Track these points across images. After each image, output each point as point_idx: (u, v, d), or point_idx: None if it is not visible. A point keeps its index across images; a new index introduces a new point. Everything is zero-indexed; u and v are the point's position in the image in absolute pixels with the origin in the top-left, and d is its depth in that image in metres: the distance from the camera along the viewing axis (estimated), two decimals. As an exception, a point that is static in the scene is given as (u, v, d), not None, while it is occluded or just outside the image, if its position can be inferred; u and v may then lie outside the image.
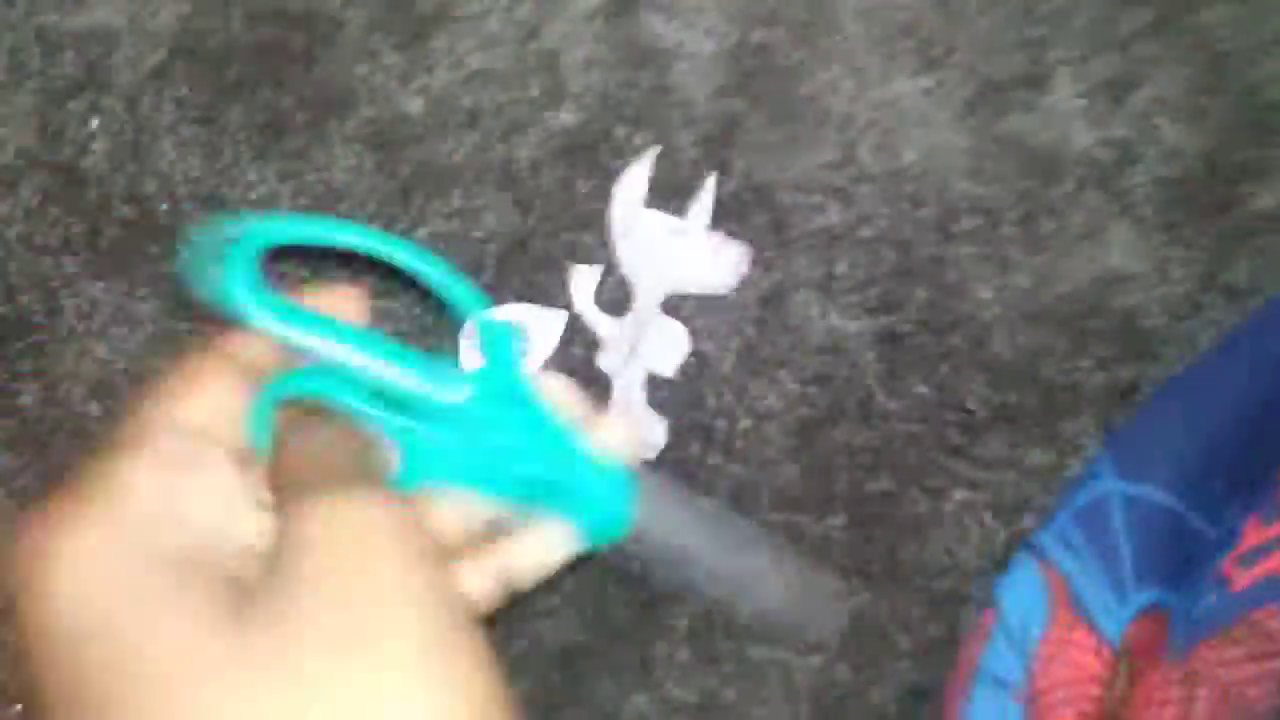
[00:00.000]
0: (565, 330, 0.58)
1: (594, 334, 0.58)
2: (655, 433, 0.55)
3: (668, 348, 0.57)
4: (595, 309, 0.58)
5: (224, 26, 0.65)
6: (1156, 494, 0.50)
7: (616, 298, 0.59)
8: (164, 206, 0.60)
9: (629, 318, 0.58)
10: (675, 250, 0.59)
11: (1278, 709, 0.43)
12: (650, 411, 0.56)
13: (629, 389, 0.56)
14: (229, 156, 0.62)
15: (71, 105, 0.63)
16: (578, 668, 0.53)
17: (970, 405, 0.57)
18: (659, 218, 0.60)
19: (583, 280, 0.58)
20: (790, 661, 0.53)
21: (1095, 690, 0.46)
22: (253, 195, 0.61)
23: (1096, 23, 0.65)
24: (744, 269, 0.58)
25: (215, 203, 0.61)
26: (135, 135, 0.62)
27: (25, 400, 0.58)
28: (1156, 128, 0.63)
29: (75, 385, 0.58)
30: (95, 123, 0.62)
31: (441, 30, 0.65)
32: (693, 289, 0.58)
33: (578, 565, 0.55)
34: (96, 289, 0.59)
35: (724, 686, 0.54)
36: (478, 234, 0.60)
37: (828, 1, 0.66)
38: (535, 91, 0.64)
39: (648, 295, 0.58)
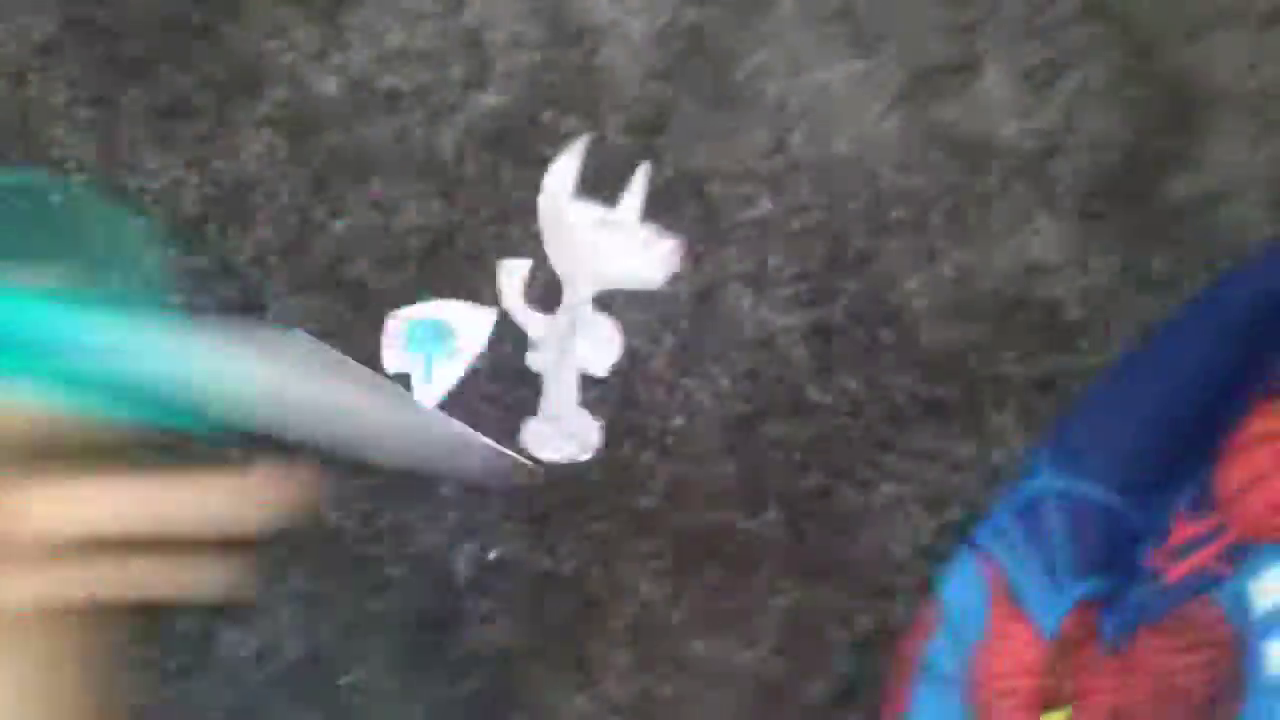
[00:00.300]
0: (494, 328, 0.59)
1: (524, 332, 0.59)
2: (590, 434, 0.57)
3: (600, 346, 0.58)
4: (525, 306, 0.59)
5: (120, -2, 0.63)
6: (1091, 489, 0.54)
7: (547, 294, 0.60)
8: (57, 199, 0.59)
9: (560, 315, 0.59)
10: (606, 244, 0.60)
11: (1210, 696, 0.48)
12: (584, 412, 0.57)
13: (561, 389, 0.57)
14: (128, 142, 0.61)
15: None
16: (517, 671, 0.55)
17: (898, 399, 0.60)
18: (589, 209, 0.61)
19: (511, 276, 0.59)
20: (727, 657, 0.56)
21: (1033, 681, 0.50)
22: (155, 185, 0.60)
23: (1026, 10, 0.67)
24: (676, 263, 0.60)
25: (114, 193, 0.60)
26: (23, 117, 0.61)
27: None
28: (1081, 117, 0.66)
29: None
30: (-20, 102, 0.60)
31: (358, 4, 0.64)
32: (625, 284, 0.59)
33: (512, 571, 0.57)
34: None
35: (662, 684, 0.56)
36: (400, 226, 0.60)
37: (758, -19, 0.67)
38: (459, 72, 0.64)
39: (579, 291, 0.59)
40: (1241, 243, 0.62)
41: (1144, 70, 0.66)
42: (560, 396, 0.57)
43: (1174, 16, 0.66)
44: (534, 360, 0.58)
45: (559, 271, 0.59)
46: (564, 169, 0.60)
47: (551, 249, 0.59)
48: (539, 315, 0.59)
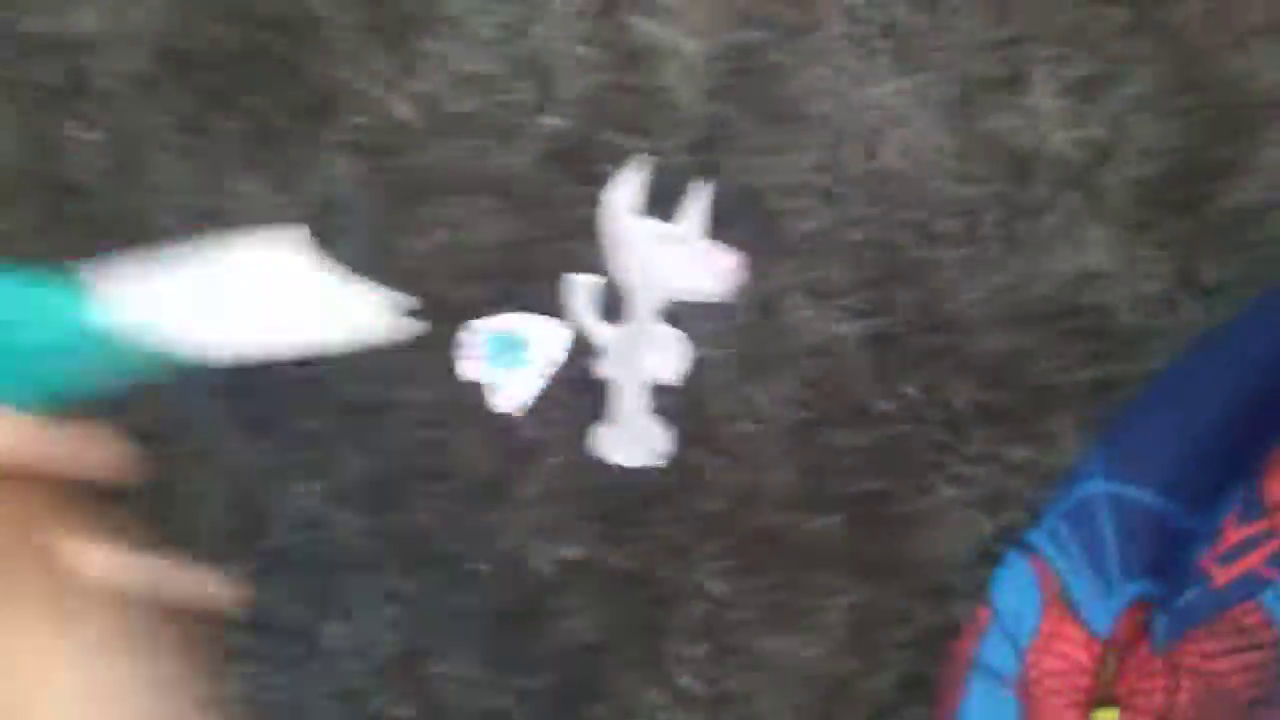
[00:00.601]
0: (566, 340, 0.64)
1: (593, 343, 0.64)
2: (661, 440, 0.62)
3: (668, 356, 0.63)
4: (593, 318, 0.64)
5: (206, 30, 0.69)
6: (1141, 493, 0.58)
7: (614, 306, 0.65)
8: (161, 222, 0.65)
9: (627, 326, 0.64)
10: (669, 258, 0.65)
11: (1256, 698, 0.50)
12: (653, 419, 0.62)
13: (631, 398, 0.63)
14: (221, 167, 0.67)
15: (57, 114, 0.67)
16: (595, 665, 0.60)
17: (955, 405, 0.65)
18: (651, 225, 0.66)
19: (579, 290, 0.64)
20: (796, 652, 0.61)
21: (1084, 680, 0.54)
22: (249, 207, 0.66)
23: (1073, 22, 0.72)
24: (738, 275, 0.65)
25: (212, 217, 0.66)
26: (123, 145, 0.67)
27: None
28: (1131, 127, 0.70)
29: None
30: (86, 134, 0.67)
31: (427, 32, 0.70)
32: (688, 296, 0.65)
33: (588, 570, 0.62)
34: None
35: (731, 678, 0.61)
36: (474, 243, 0.66)
37: (810, 1, 0.72)
38: (525, 95, 0.69)
39: (644, 303, 0.64)
40: (1291, 249, 0.66)
41: (1193, 79, 0.70)
42: (630, 405, 0.62)
43: (1221, 26, 0.70)
44: (604, 370, 0.63)
45: (624, 285, 0.64)
46: (625, 186, 0.66)
47: (616, 264, 0.64)
48: (607, 327, 0.64)
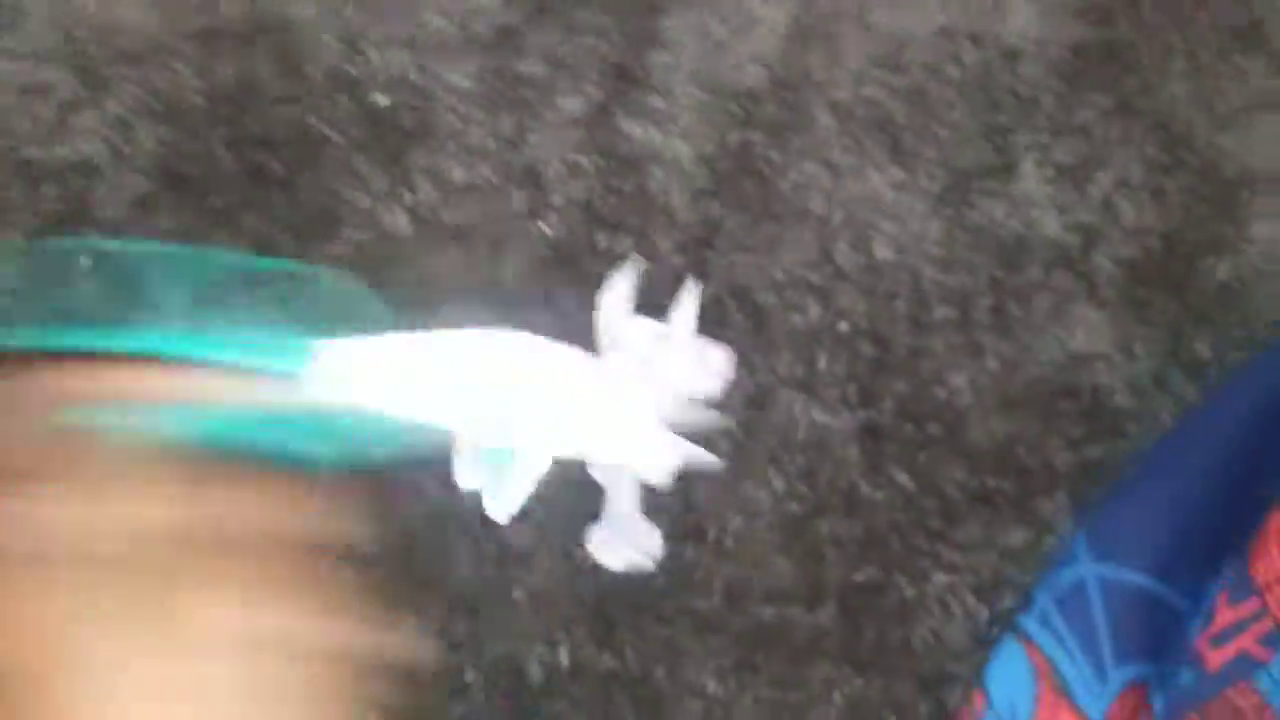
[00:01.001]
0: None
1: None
2: (652, 542, 0.66)
3: (660, 456, 0.68)
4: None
5: (205, 153, 0.76)
6: (1131, 575, 0.61)
7: (607, 407, 0.70)
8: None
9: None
10: (662, 357, 0.70)
11: None
12: (645, 521, 0.67)
13: (623, 498, 0.67)
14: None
15: (57, 240, 0.74)
16: (589, 768, 0.64)
17: (949, 491, 0.68)
18: (644, 326, 0.71)
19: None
20: (792, 750, 0.64)
21: (1082, 769, 0.57)
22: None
23: (1059, 109, 0.77)
24: (730, 373, 0.69)
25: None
26: (130, 268, 0.74)
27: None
28: (1118, 209, 0.74)
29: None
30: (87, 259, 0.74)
31: (422, 146, 0.77)
32: (681, 395, 0.69)
33: (581, 673, 0.66)
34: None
35: (730, 778, 0.64)
36: (469, 349, 0.72)
37: (801, 99, 0.78)
38: (518, 203, 0.75)
39: (640, 410, 0.69)
40: (1284, 323, 0.70)
41: (1179, 160, 0.75)
42: (622, 505, 0.66)
43: (1205, 106, 0.75)
44: (595, 472, 0.68)
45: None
46: (618, 287, 0.71)
47: (611, 365, 0.69)
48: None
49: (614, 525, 0.65)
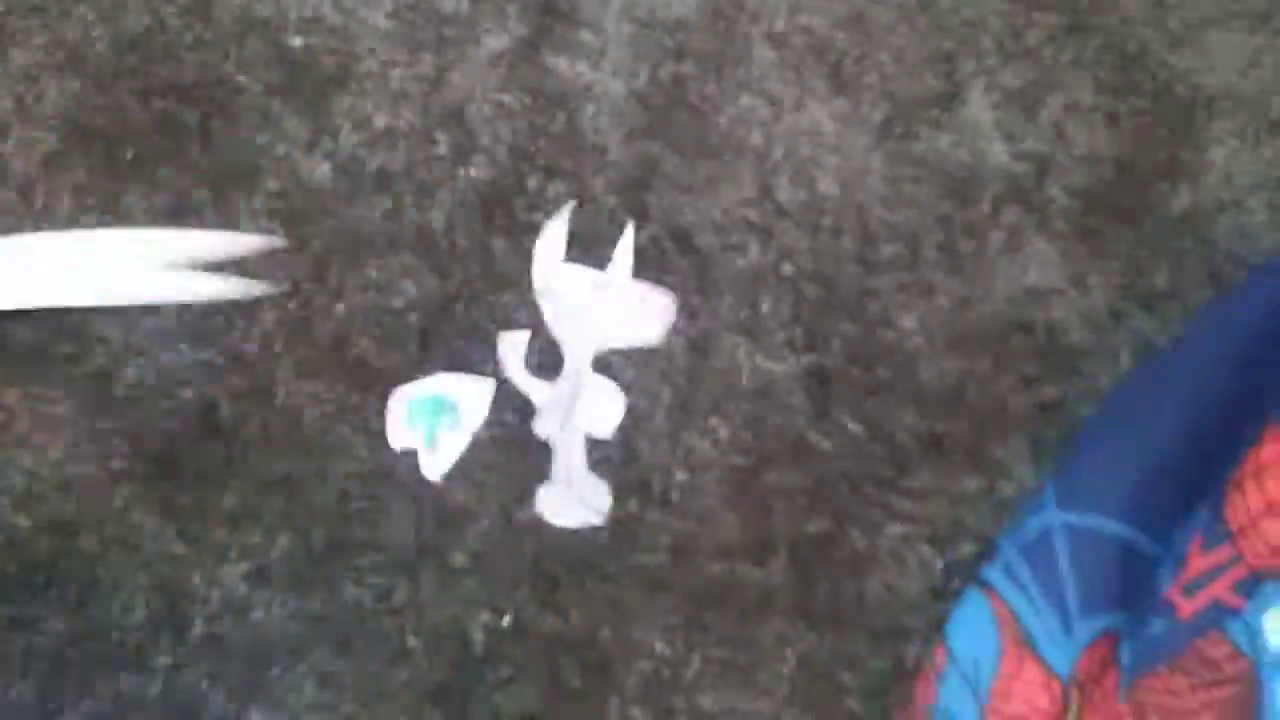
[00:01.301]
0: (497, 397, 0.63)
1: (527, 400, 0.63)
2: (601, 498, 0.61)
3: (603, 408, 0.62)
4: (527, 374, 0.63)
5: (114, 104, 0.69)
6: (1102, 522, 0.55)
7: (547, 360, 0.64)
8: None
9: (562, 381, 0.63)
10: (601, 305, 0.64)
11: None
12: (593, 476, 0.61)
13: (570, 454, 0.61)
14: (135, 243, 0.66)
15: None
16: (535, 737, 0.59)
17: (900, 438, 0.63)
18: (581, 272, 0.64)
19: (511, 346, 0.63)
20: (741, 708, 0.59)
21: (1047, 725, 0.52)
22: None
23: (1006, 31, 0.70)
24: (671, 318, 0.64)
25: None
26: (35, 228, 0.66)
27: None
28: (1070, 136, 0.68)
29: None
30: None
31: (343, 91, 0.69)
32: (622, 343, 0.63)
33: (526, 636, 0.60)
34: (10, 396, 0.63)
35: (681, 740, 0.59)
36: (398, 304, 0.65)
37: (737, 30, 0.70)
38: (444, 148, 0.68)
39: (578, 355, 0.63)
40: (1244, 252, 0.64)
41: (1133, 82, 0.68)
42: (569, 462, 0.61)
43: (1158, 24, 0.69)
44: (540, 427, 0.62)
45: (558, 338, 0.63)
46: (553, 235, 0.64)
47: (548, 316, 0.63)
48: (542, 383, 0.63)
49: (563, 483, 0.60)
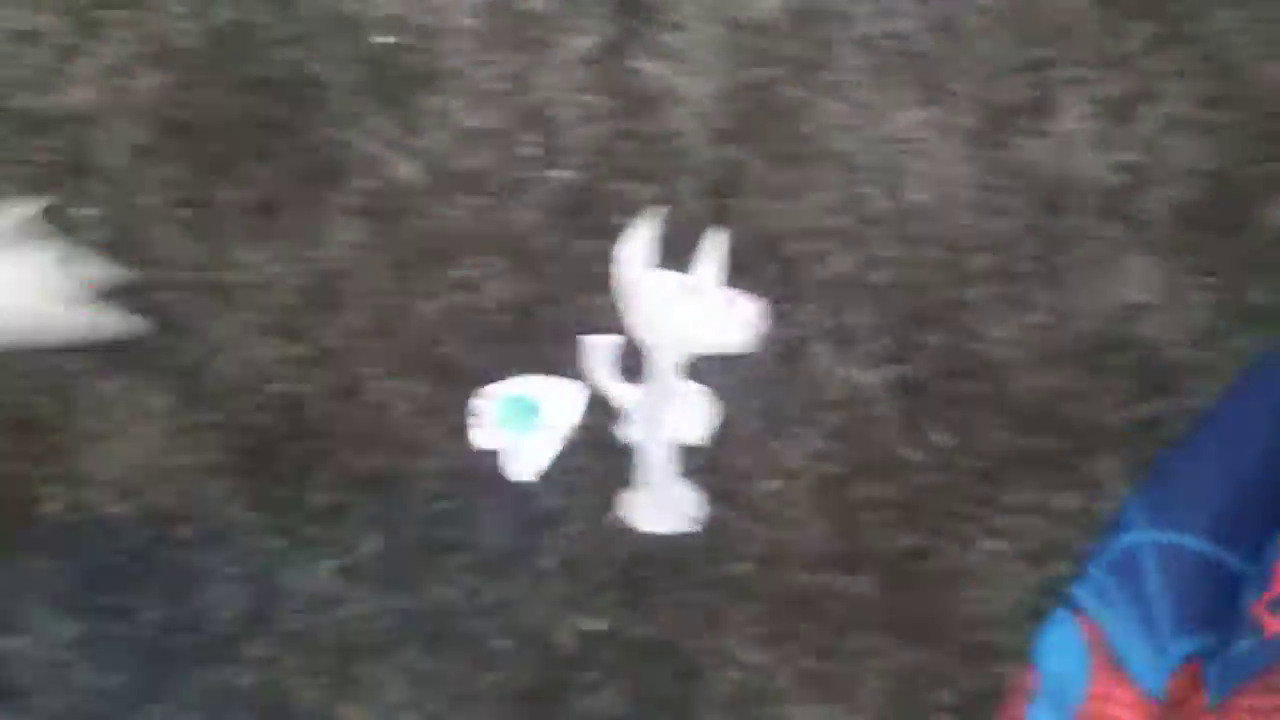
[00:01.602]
0: (584, 402, 0.60)
1: (614, 405, 0.60)
2: (694, 504, 0.57)
3: (694, 415, 0.59)
4: (614, 379, 0.60)
5: (205, 99, 0.66)
6: (1191, 540, 0.52)
7: (634, 365, 0.61)
8: (161, 297, 0.62)
9: (649, 385, 0.60)
10: (689, 311, 0.61)
11: None
12: (683, 482, 0.58)
13: (657, 460, 0.58)
14: (224, 239, 0.63)
15: (57, 191, 0.64)
16: (621, 744, 0.56)
17: (993, 452, 0.59)
18: (668, 277, 0.61)
19: (598, 351, 0.60)
20: (831, 722, 0.56)
21: (1140, 747, 0.49)
22: (254, 278, 0.63)
23: (1100, 39, 0.66)
24: (760, 325, 0.60)
25: (213, 289, 0.62)
26: (126, 221, 0.64)
27: (52, 506, 0.60)
28: (1167, 147, 0.64)
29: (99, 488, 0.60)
30: (86, 209, 0.64)
31: (429, 90, 0.66)
32: (710, 349, 0.60)
33: (613, 641, 0.57)
34: (107, 386, 0.61)
35: (766, 751, 0.57)
36: (486, 305, 0.62)
37: (824, 33, 0.67)
38: (529, 149, 0.65)
39: (666, 361, 0.60)
40: (1345, 268, 0.61)
41: (1231, 93, 0.64)
42: (658, 468, 0.58)
43: (1258, 35, 0.65)
44: (626, 432, 0.59)
45: (644, 342, 0.60)
46: (638, 239, 0.61)
47: (633, 320, 0.60)
48: (629, 388, 0.59)
49: (652, 488, 0.57)
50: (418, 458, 0.58)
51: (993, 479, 0.58)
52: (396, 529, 0.57)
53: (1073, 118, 0.64)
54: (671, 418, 0.58)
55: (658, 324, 0.59)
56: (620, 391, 0.59)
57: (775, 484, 0.58)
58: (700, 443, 0.58)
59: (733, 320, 0.60)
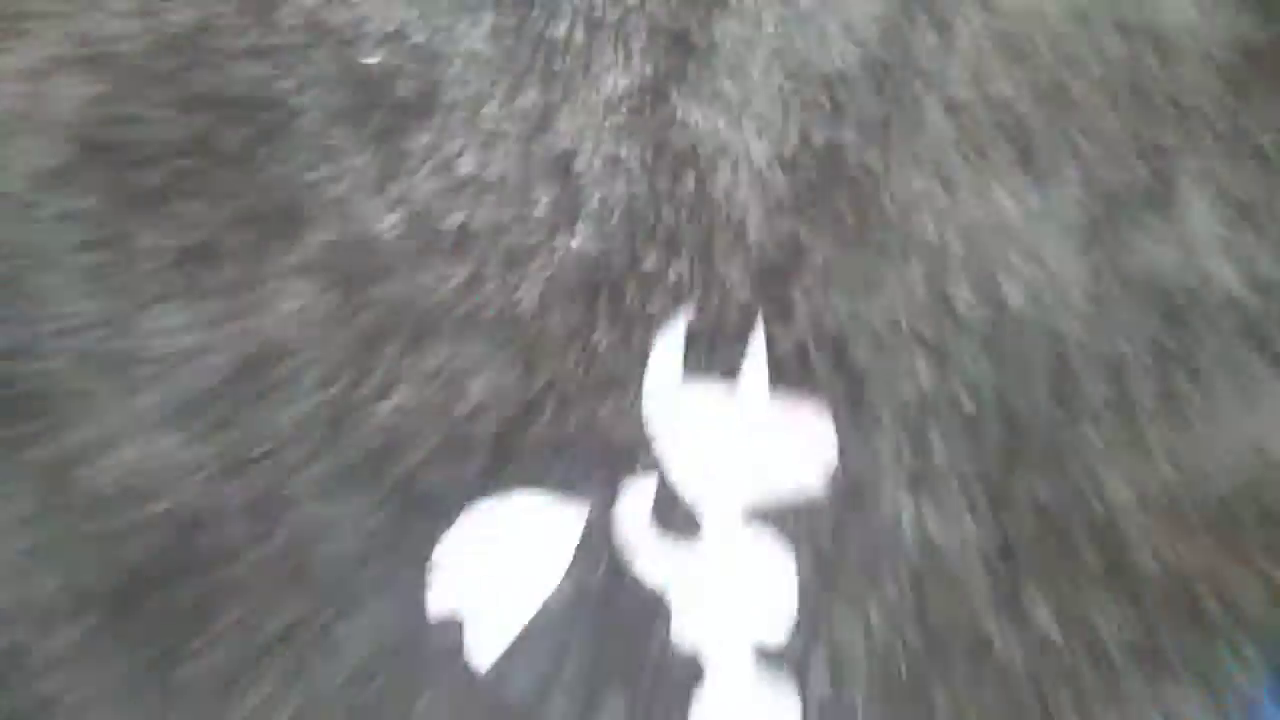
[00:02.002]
0: (588, 537, 0.44)
1: (648, 581, 0.43)
2: (785, 713, 0.40)
3: (770, 595, 0.41)
4: (654, 537, 0.42)
5: (140, 116, 0.50)
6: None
7: (671, 516, 0.45)
8: (42, 366, 0.46)
9: (701, 545, 0.42)
10: (740, 437, 0.44)
11: None
12: (775, 690, 0.40)
13: (732, 661, 0.40)
14: (137, 295, 0.47)
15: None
16: None
17: (1105, 638, 0.45)
18: (707, 391, 0.46)
19: (634, 498, 0.43)
20: None
21: None
22: (168, 348, 0.47)
23: (1229, 126, 0.53)
24: (830, 455, 0.44)
25: (113, 360, 0.46)
26: (12, 261, 0.48)
27: None
28: (1315, 263, 0.51)
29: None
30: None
31: (423, 124, 0.51)
32: (778, 491, 0.44)
33: None
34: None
35: None
36: (466, 404, 0.47)
37: (908, 92, 0.52)
38: (542, 208, 0.50)
39: (723, 514, 0.43)
40: None
41: (1395, 203, 0.51)
42: (731, 671, 0.41)
43: None
44: (681, 627, 0.42)
45: (682, 487, 0.44)
46: (668, 346, 0.46)
47: (668, 456, 0.44)
48: (669, 544, 0.43)
49: (724, 702, 0.40)
50: (347, 617, 0.42)
51: (1102, 671, 0.44)
52: (304, 713, 0.41)
53: (1201, 218, 0.50)
54: (742, 602, 0.41)
55: (702, 459, 0.43)
56: (660, 554, 0.42)
57: (828, 670, 0.42)
58: (784, 639, 0.42)
59: (799, 449, 0.44)
